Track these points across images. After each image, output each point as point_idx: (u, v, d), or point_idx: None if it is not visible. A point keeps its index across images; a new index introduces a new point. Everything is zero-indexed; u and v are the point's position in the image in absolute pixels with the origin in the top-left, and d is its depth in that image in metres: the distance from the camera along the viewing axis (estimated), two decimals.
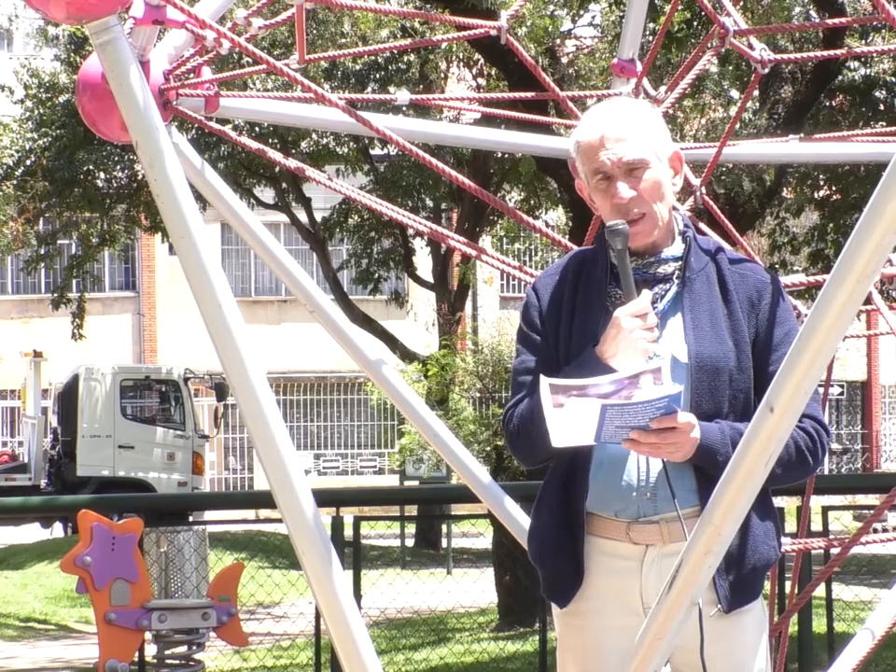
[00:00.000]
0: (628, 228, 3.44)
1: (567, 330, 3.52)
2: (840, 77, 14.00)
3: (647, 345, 3.37)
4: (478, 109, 6.88)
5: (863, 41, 13.88)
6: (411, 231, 22.20)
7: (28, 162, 21.25)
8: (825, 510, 8.15)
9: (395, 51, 20.02)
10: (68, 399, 24.71)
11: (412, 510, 19.95)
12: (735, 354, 3.46)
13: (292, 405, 33.51)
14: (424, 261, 24.71)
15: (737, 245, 4.75)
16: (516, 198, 23.22)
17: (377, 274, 23.90)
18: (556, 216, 24.15)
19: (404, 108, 4.79)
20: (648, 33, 11.05)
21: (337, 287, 23.10)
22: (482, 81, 20.65)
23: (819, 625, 8.49)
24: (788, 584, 6.12)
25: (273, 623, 12.63)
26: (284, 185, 23.09)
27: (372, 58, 19.95)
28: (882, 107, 15.10)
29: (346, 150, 22.14)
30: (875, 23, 12.90)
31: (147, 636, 7.25)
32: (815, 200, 17.55)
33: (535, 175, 19.34)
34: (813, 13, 14.27)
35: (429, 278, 23.98)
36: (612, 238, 3.44)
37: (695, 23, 12.03)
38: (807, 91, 12.18)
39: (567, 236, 11.74)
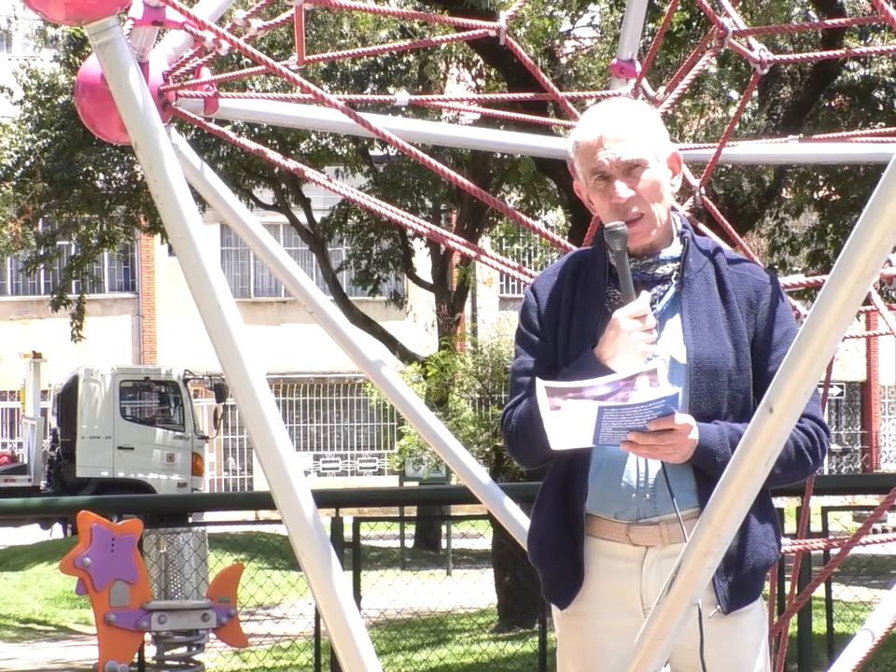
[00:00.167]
0: (627, 229, 3.44)
1: (565, 331, 3.52)
2: (839, 78, 14.00)
3: (646, 347, 3.37)
4: (477, 110, 6.88)
5: (862, 41, 13.87)
6: (410, 232, 22.20)
7: (27, 163, 21.25)
8: (825, 510, 8.15)
9: (394, 52, 20.02)
10: (68, 400, 24.71)
11: (411, 511, 19.93)
12: (733, 354, 3.46)
13: (292, 406, 33.50)
14: (423, 262, 24.71)
15: (737, 246, 4.75)
16: (515, 199, 23.22)
17: (376, 275, 23.90)
18: (556, 216, 24.15)
19: (403, 109, 4.78)
20: (647, 33, 11.06)
21: (336, 287, 23.10)
22: (481, 82, 20.66)
23: (818, 626, 8.49)
24: (787, 585, 6.12)
25: (272, 625, 12.64)
26: (283, 186, 23.09)
27: (372, 59, 19.94)
28: (881, 108, 15.10)
29: (345, 151, 22.14)
30: (874, 24, 12.90)
31: (147, 637, 7.25)
32: (814, 200, 17.56)
33: (534, 176, 19.34)
34: (812, 13, 14.27)
35: (429, 279, 23.99)
36: (611, 239, 3.44)
37: (695, 24, 12.03)
38: (807, 92, 12.18)
39: (567, 237, 11.74)
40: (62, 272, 24.43)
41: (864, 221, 2.82)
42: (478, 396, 17.75)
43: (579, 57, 18.99)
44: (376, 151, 22.52)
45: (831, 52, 9.20)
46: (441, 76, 21.26)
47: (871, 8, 9.08)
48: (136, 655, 7.42)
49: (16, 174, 21.30)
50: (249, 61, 4.70)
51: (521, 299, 3.66)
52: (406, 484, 20.63)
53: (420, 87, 20.34)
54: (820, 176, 16.68)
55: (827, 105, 15.05)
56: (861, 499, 19.71)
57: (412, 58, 20.21)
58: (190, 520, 12.53)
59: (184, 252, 3.83)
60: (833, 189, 17.12)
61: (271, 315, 33.24)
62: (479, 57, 18.44)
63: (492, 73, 19.01)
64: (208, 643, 7.48)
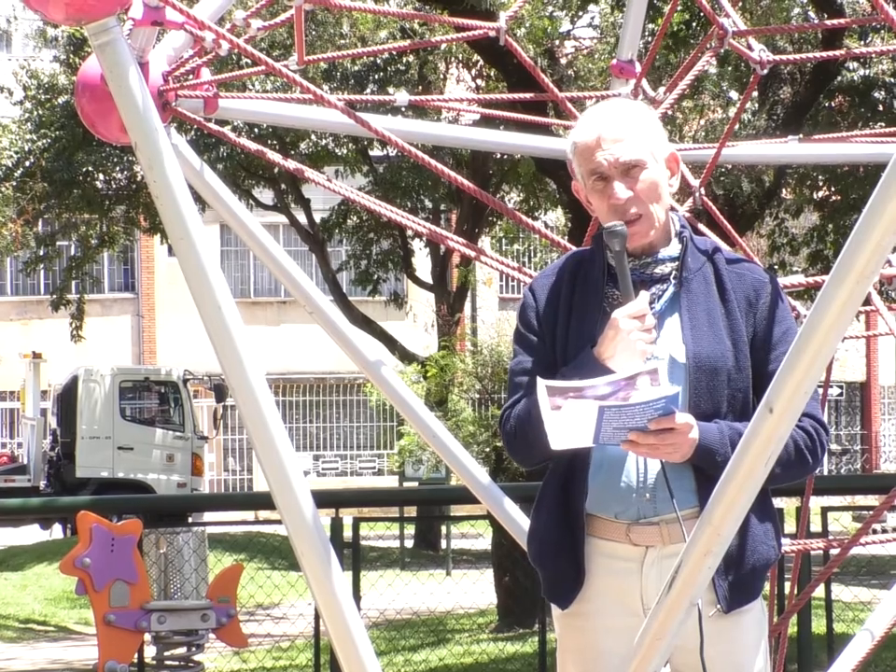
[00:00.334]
0: (626, 229, 3.44)
1: (564, 331, 3.52)
2: (839, 78, 14.00)
3: (645, 347, 3.37)
4: (477, 110, 6.89)
5: (862, 42, 13.87)
6: (410, 233, 22.20)
7: (27, 164, 21.25)
8: (824, 510, 8.15)
9: (394, 52, 20.01)
10: (67, 400, 24.71)
11: (411, 511, 19.93)
12: (733, 353, 3.46)
13: (291, 406, 33.51)
14: (423, 262, 24.71)
15: (736, 246, 4.75)
16: (515, 199, 23.22)
17: (376, 276, 23.90)
18: (555, 216, 24.15)
19: (403, 109, 4.78)
20: (647, 33, 11.06)
21: (336, 288, 23.10)
22: (481, 82, 20.66)
23: (818, 626, 8.49)
24: (787, 585, 6.12)
25: (272, 625, 12.64)
26: (283, 186, 23.09)
27: (371, 59, 19.94)
28: (881, 108, 15.10)
29: (345, 151, 22.14)
30: (874, 24, 12.90)
31: (147, 637, 7.25)
32: (814, 201, 17.56)
33: (534, 176, 19.35)
34: (812, 14, 14.27)
35: (428, 279, 23.98)
36: (610, 239, 3.44)
37: (694, 24, 12.03)
38: (806, 92, 12.17)
39: (566, 237, 11.74)
40: (61, 272, 24.43)
41: (864, 221, 2.82)
42: (477, 396, 17.75)
43: (578, 57, 18.99)
44: (376, 151, 22.51)
45: (831, 53, 9.20)
46: (441, 76, 21.26)
47: (871, 9, 9.08)
48: (136, 655, 7.41)
49: (16, 174, 21.30)
50: (249, 61, 4.70)
51: (520, 299, 3.66)
52: (406, 485, 20.64)
53: (420, 87, 20.34)
54: (820, 177, 16.69)
55: (827, 105, 15.05)
56: (861, 500, 19.71)
57: (411, 58, 20.21)
58: (190, 520, 12.52)
59: (184, 252, 3.83)
60: (832, 189, 17.13)
61: (270, 316, 33.24)
62: (479, 57, 18.43)
63: (492, 73, 19.01)
64: (208, 643, 7.48)
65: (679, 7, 11.05)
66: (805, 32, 13.02)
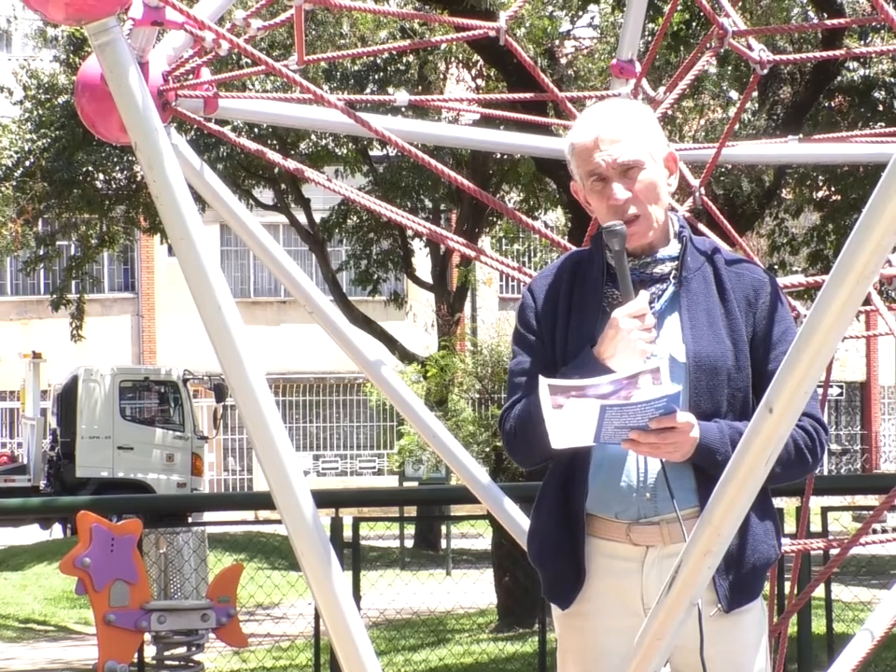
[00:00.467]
0: (625, 228, 3.44)
1: (563, 331, 3.52)
2: (839, 78, 14.00)
3: (645, 346, 3.37)
4: (477, 110, 6.88)
5: (862, 42, 13.87)
6: (410, 232, 22.20)
7: (27, 163, 21.25)
8: (824, 510, 8.15)
9: (394, 52, 20.02)
10: (67, 400, 24.71)
11: (411, 511, 19.94)
12: (732, 353, 3.47)
13: (291, 406, 33.51)
14: (423, 262, 24.71)
15: (736, 246, 4.75)
16: (515, 199, 23.23)
17: (376, 275, 23.90)
18: (555, 216, 24.15)
19: (403, 109, 4.78)
20: (647, 33, 11.06)
21: (336, 287, 23.10)
22: (481, 82, 20.66)
23: (818, 626, 8.49)
24: (787, 585, 6.12)
25: (272, 625, 12.64)
26: (283, 186, 23.09)
27: (371, 59, 19.94)
28: (881, 108, 15.10)
29: (345, 151, 22.14)
30: (874, 24, 12.90)
31: (147, 637, 7.25)
32: (814, 200, 17.56)
33: (534, 176, 19.35)
34: (812, 14, 14.27)
35: (428, 279, 23.99)
36: (610, 239, 3.44)
37: (694, 24, 12.03)
38: (806, 92, 12.18)
39: (566, 237, 11.74)
40: (61, 272, 24.43)
41: (864, 221, 2.82)
42: (477, 396, 17.75)
43: (579, 57, 18.99)
44: (376, 151, 22.52)
45: (831, 52, 9.20)
46: (441, 76, 21.26)
47: (871, 8, 9.08)
48: (136, 655, 7.41)
49: (16, 174, 21.30)
50: (249, 61, 4.70)
51: (520, 299, 3.66)
52: (406, 484, 20.63)
53: (420, 87, 20.33)
54: (820, 177, 16.69)
55: (827, 105, 15.05)
56: (861, 499, 19.72)
57: (411, 58, 20.21)
58: (190, 520, 12.53)
59: (184, 252, 3.83)
60: (832, 189, 17.13)
61: (270, 315, 33.24)
62: (479, 57, 18.43)
63: (492, 73, 19.01)
64: (208, 643, 7.48)
65: (679, 7, 11.05)
66: (805, 32, 13.01)
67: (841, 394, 36.45)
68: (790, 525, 8.12)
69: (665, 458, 3.36)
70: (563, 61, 16.75)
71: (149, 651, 7.63)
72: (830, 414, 35.36)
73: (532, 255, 29.23)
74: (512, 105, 10.97)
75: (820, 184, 17.14)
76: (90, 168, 21.44)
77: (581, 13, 18.39)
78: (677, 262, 3.52)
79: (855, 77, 14.69)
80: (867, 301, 4.28)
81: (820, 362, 3.00)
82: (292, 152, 20.71)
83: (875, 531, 15.23)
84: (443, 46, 18.71)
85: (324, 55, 14.05)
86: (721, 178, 12.09)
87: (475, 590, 13.54)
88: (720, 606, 3.45)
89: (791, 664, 7.35)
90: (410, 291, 28.07)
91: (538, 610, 10.17)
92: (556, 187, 16.77)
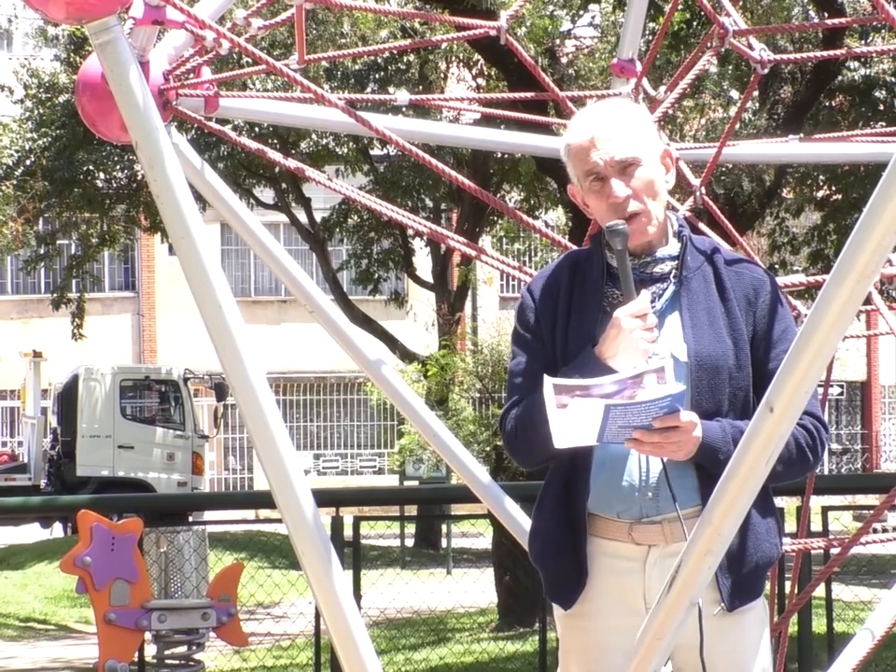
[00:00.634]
0: (627, 227, 3.44)
1: (563, 332, 3.52)
2: (840, 78, 14.01)
3: (647, 345, 3.37)
4: (477, 109, 6.87)
5: (863, 41, 13.88)
6: (410, 232, 22.20)
7: (28, 162, 21.25)
8: (825, 510, 8.15)
9: (394, 52, 20.03)
10: (68, 399, 24.72)
11: (411, 510, 19.95)
12: (733, 352, 3.47)
13: (292, 405, 33.51)
14: (423, 262, 24.71)
15: (737, 246, 4.75)
16: (516, 198, 23.22)
17: (377, 275, 23.90)
18: (556, 216, 24.15)
19: (404, 108, 4.78)
20: (648, 32, 11.06)
21: (337, 287, 23.10)
22: (481, 81, 20.65)
23: (818, 625, 8.49)
24: (788, 584, 6.12)
25: (272, 624, 12.63)
26: (283, 185, 23.09)
27: (372, 58, 19.95)
28: (882, 107, 15.10)
29: (346, 151, 22.14)
30: (874, 23, 12.90)
31: (147, 636, 7.25)
32: (815, 200, 17.56)
33: (534, 176, 19.34)
34: (812, 13, 14.27)
35: (429, 278, 23.99)
36: (612, 238, 3.44)
37: (695, 23, 12.03)
38: (807, 92, 12.18)
39: (567, 236, 11.74)
40: (62, 271, 24.43)
41: (865, 221, 2.82)
42: (478, 395, 17.75)
43: (579, 56, 18.98)
44: (376, 151, 22.52)
45: (831, 52, 9.20)
46: (442, 75, 21.25)
47: (871, 8, 9.08)
48: (136, 654, 7.42)
49: (16, 173, 21.30)
50: (250, 60, 4.71)
51: (519, 299, 3.66)
52: (406, 483, 20.62)
53: (420, 86, 20.33)
54: (821, 176, 16.68)
55: (827, 104, 15.05)
56: (862, 499, 19.72)
57: (412, 57, 20.20)
58: (191, 519, 12.54)
59: (184, 251, 3.83)
60: (833, 188, 17.12)
61: (271, 315, 33.24)
62: (479, 56, 18.43)
63: (492, 72, 19.01)
64: (208, 642, 7.47)
65: (679, 7, 11.04)
66: (805, 31, 13.01)
67: (842, 393, 36.45)
68: (790, 525, 8.12)
69: (669, 458, 3.36)
70: (564, 60, 16.75)
71: (150, 650, 7.63)
72: (830, 414, 35.35)
73: (533, 254, 29.23)
74: (513, 105, 10.97)
75: (821, 183, 17.13)
76: (90, 167, 21.44)
77: (581, 12, 18.38)
78: (677, 262, 3.53)
79: (856, 77, 14.69)
80: (868, 301, 4.28)
81: (821, 362, 3.00)
82: (293, 151, 20.70)
83: (875, 530, 15.23)
84: (444, 45, 18.71)
85: (325, 54, 14.04)
86: (722, 178, 12.10)
87: (476, 589, 13.54)
88: (722, 605, 3.45)
89: (791, 663, 7.34)
90: (410, 290, 28.07)
91: (538, 609, 10.17)
92: (557, 186, 16.78)
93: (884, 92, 15.02)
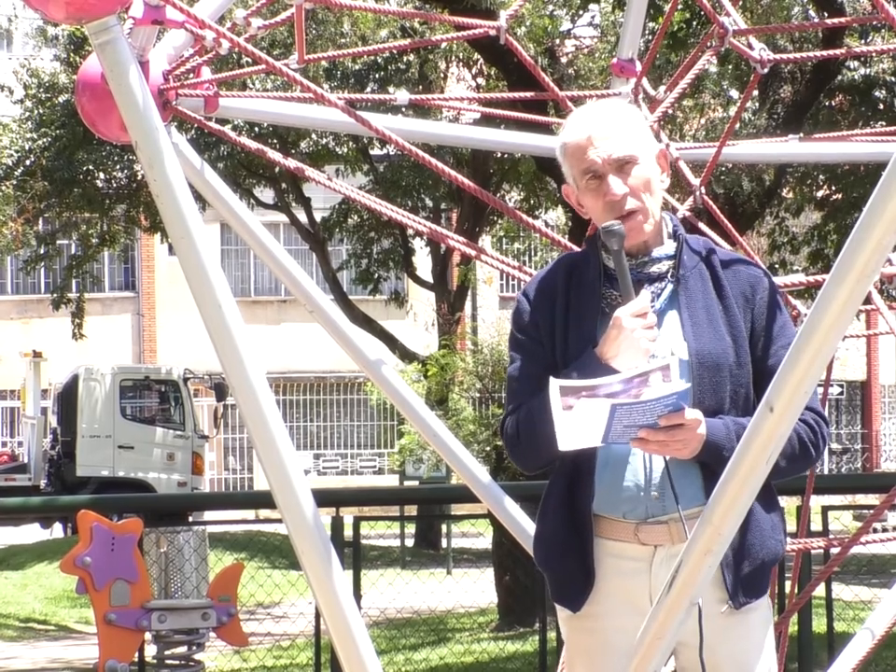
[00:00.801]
0: (623, 228, 3.44)
1: (562, 334, 3.51)
2: (840, 77, 14.00)
3: (648, 345, 3.37)
4: (477, 109, 6.88)
5: (863, 41, 13.88)
6: (410, 232, 22.20)
7: (28, 162, 21.26)
8: (825, 509, 8.14)
9: (394, 51, 20.03)
10: (68, 399, 24.71)
11: (411, 510, 19.94)
12: (733, 349, 3.47)
13: (292, 405, 33.51)
14: (423, 261, 24.71)
15: (737, 245, 4.75)
16: (516, 198, 23.23)
17: (377, 274, 23.91)
18: (556, 215, 24.16)
19: (403, 108, 4.78)
20: (648, 32, 11.06)
21: (336, 287, 23.10)
22: (481, 81, 20.66)
23: (818, 625, 8.49)
24: (788, 584, 6.11)
25: (272, 624, 12.63)
26: (283, 185, 23.09)
27: (372, 58, 19.95)
28: (882, 107, 15.10)
29: (346, 150, 22.15)
30: (874, 23, 12.90)
31: (147, 636, 7.25)
32: (814, 199, 17.56)
33: (534, 175, 19.36)
34: (812, 13, 14.27)
35: (429, 278, 23.99)
36: (608, 239, 3.44)
37: (695, 23, 12.03)
38: (807, 91, 12.18)
39: (567, 236, 11.74)
40: (62, 271, 24.44)
41: (865, 220, 2.82)
42: (478, 395, 17.74)
43: (579, 56, 19.00)
44: (376, 150, 22.52)
45: (831, 52, 9.20)
46: (442, 75, 21.26)
47: (871, 8, 9.08)
48: (136, 654, 7.42)
49: (16, 173, 21.30)
50: (249, 60, 4.70)
51: (514, 304, 3.65)
52: (406, 483, 20.63)
53: (420, 86, 20.34)
54: (821, 176, 16.68)
55: (827, 104, 15.05)
56: (862, 498, 19.73)
57: (412, 57, 20.21)
58: (191, 519, 12.53)
59: (184, 251, 3.83)
60: (833, 188, 17.12)
61: (271, 315, 33.25)
62: (479, 56, 18.43)
63: (492, 72, 19.02)
64: (208, 642, 7.48)
65: (679, 6, 11.04)
66: (805, 31, 13.01)
67: (842, 393, 36.46)
68: (790, 525, 8.12)
69: (674, 456, 3.35)
70: (563, 60, 16.76)
71: (150, 651, 7.63)
72: (830, 413, 35.34)
73: (532, 254, 29.23)
74: (513, 105, 10.97)
75: (821, 183, 17.13)
76: (90, 167, 21.45)
77: (581, 12, 18.39)
78: (673, 261, 3.53)
79: (855, 77, 14.69)
80: (868, 300, 4.28)
81: (821, 361, 3.00)
82: (293, 151, 20.71)
83: (875, 530, 15.23)
84: (444, 45, 18.72)
85: (324, 54, 14.05)
86: (722, 177, 12.09)
87: (476, 589, 13.54)
88: (730, 603, 3.44)
89: (791, 663, 7.35)
90: (410, 290, 28.07)
91: (538, 609, 10.16)
92: (557, 186, 16.76)
93: (884, 92, 15.02)
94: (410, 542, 22.54)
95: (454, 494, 9.80)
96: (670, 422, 3.26)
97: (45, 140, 20.99)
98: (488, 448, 15.56)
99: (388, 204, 4.61)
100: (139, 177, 21.44)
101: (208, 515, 10.60)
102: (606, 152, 3.46)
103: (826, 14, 12.12)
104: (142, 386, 25.67)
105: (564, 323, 3.52)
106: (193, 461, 24.99)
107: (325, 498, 7.30)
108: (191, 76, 4.19)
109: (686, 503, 3.38)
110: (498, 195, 21.62)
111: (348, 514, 8.32)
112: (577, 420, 3.23)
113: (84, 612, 15.13)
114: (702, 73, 5.10)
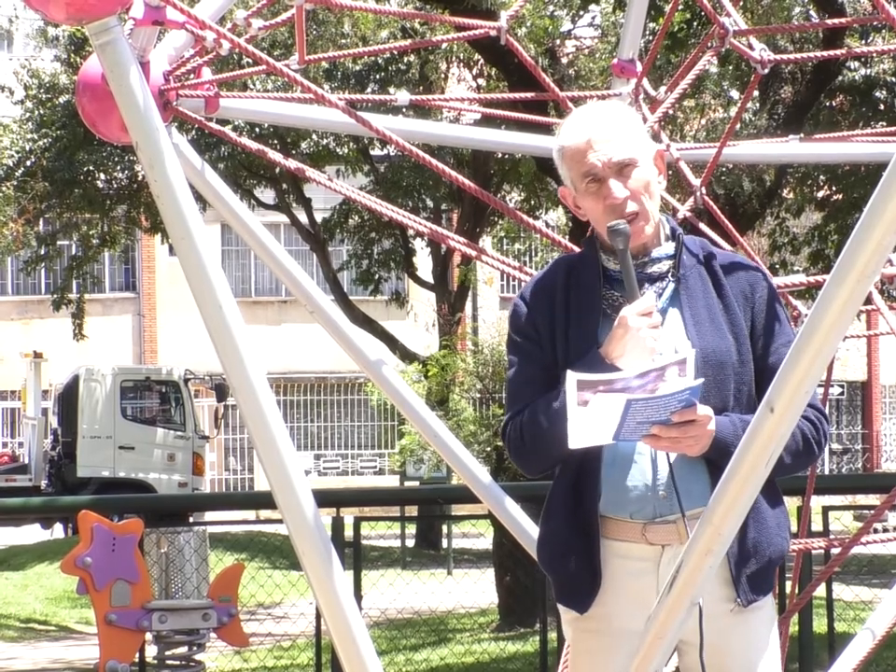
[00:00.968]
0: (629, 228, 3.43)
1: (563, 336, 3.50)
2: (840, 78, 14.01)
3: (654, 344, 3.36)
4: (478, 110, 6.88)
5: (863, 41, 13.88)
6: (411, 232, 22.20)
7: (28, 163, 21.26)
8: (825, 510, 8.15)
9: (395, 52, 20.04)
10: (68, 399, 24.71)
11: (412, 510, 19.94)
12: (735, 347, 3.47)
13: (292, 406, 33.51)
14: (424, 262, 24.72)
15: (738, 246, 4.75)
16: (516, 198, 23.23)
17: (377, 275, 23.91)
18: (556, 216, 24.15)
19: (404, 109, 4.78)
20: (648, 33, 11.06)
21: (337, 287, 23.11)
22: (481, 82, 20.66)
23: (819, 625, 8.49)
24: (788, 584, 6.11)
25: (273, 624, 12.64)
26: (284, 185, 23.10)
27: (372, 59, 19.96)
28: (882, 107, 15.10)
29: (346, 151, 22.15)
30: (875, 23, 12.90)
31: (148, 636, 7.25)
32: (815, 200, 17.55)
33: (535, 176, 19.35)
34: (813, 13, 14.27)
35: (429, 279, 23.99)
36: (614, 238, 3.43)
37: (695, 23, 12.03)
38: (807, 92, 12.17)
39: (567, 236, 11.75)
40: (62, 271, 24.44)
41: (865, 221, 2.82)
42: (479, 395, 17.76)
43: (579, 57, 19.00)
44: (377, 151, 22.53)
45: (831, 52, 9.19)
46: (442, 75, 21.26)
47: (871, 8, 9.08)
48: (137, 655, 7.42)
49: (17, 173, 21.31)
50: (250, 60, 4.71)
51: (512, 308, 3.64)
52: (407, 484, 20.63)
53: (421, 87, 20.34)
54: (821, 176, 16.68)
55: (828, 104, 15.05)
56: (862, 499, 19.73)
57: (412, 58, 20.22)
58: (191, 519, 12.52)
59: (185, 252, 3.83)
60: (833, 188, 17.12)
61: (271, 315, 33.25)
62: (479, 57, 18.43)
63: (492, 73, 19.02)
64: (209, 643, 7.48)
65: (679, 7, 11.04)
66: (806, 31, 13.01)
67: (842, 393, 36.46)
68: (791, 525, 8.13)
69: (685, 452, 3.34)
70: (564, 60, 16.76)
71: (150, 651, 7.63)
72: (831, 414, 35.34)
73: (533, 254, 29.24)
74: (513, 105, 10.97)
75: (822, 183, 17.13)
76: (91, 168, 21.45)
77: (581, 13, 18.39)
78: (673, 261, 3.53)
79: (856, 77, 14.70)
80: (868, 301, 4.29)
81: (821, 361, 3.00)
82: (293, 152, 20.72)
83: (876, 530, 15.23)
84: (444, 45, 18.73)
85: (325, 55, 14.05)
86: (723, 178, 12.09)
87: (476, 589, 13.54)
88: (738, 601, 3.44)
89: (792, 663, 7.34)
90: (411, 291, 28.08)
91: (539, 610, 10.16)
92: (557, 186, 16.76)
93: (884, 92, 15.02)
94: (410, 543, 22.54)
95: (454, 494, 9.79)
96: (683, 418, 3.25)
97: (45, 141, 20.99)
98: (489, 448, 15.57)
99: (389, 205, 4.61)
100: (140, 178, 21.45)
101: (209, 516, 10.59)
102: (606, 155, 3.45)
103: (826, 14, 12.11)
104: (142, 387, 25.67)
105: (564, 324, 3.50)
106: (194, 462, 25.00)
107: (325, 499, 7.30)
108: (192, 76, 4.19)
109: (693, 502, 3.37)
110: (499, 196, 21.63)
111: (349, 515, 8.32)
112: (590, 416, 3.20)
113: (85, 613, 15.13)
114: (702, 73, 5.11)
